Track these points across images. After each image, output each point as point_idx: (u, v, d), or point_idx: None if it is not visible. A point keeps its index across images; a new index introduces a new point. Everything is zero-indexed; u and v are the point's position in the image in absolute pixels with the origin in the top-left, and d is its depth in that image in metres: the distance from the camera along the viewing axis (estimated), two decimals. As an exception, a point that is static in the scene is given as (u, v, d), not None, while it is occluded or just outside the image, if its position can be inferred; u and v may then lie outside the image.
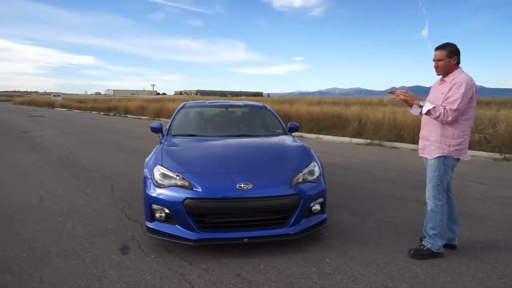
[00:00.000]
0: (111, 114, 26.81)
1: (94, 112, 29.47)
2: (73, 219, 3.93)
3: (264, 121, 4.84)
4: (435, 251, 3.01)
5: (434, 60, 3.00)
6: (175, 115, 4.70)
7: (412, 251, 3.04)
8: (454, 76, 2.92)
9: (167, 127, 4.51)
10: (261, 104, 5.21)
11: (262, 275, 2.72)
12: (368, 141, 10.81)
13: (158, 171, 3.22)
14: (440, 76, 3.06)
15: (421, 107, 2.95)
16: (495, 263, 2.93)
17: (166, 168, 3.22)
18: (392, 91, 3.18)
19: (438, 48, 2.98)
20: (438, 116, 2.86)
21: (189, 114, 4.87)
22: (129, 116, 24.53)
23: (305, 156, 3.58)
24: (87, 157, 7.84)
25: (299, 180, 3.21)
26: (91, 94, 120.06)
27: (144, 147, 9.32)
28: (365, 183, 5.64)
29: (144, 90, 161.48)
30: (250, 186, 2.99)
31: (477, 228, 3.71)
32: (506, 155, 8.17)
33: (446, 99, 2.87)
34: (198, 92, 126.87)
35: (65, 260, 2.97)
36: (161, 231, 3.06)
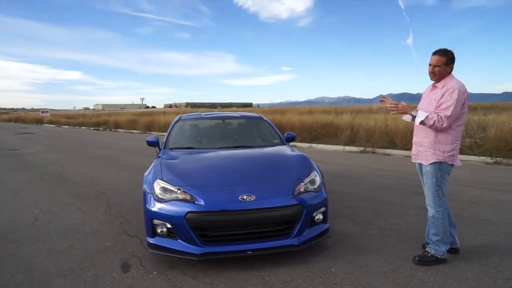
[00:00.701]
0: (101, 129, 26.57)
1: (83, 128, 29.18)
2: (70, 238, 3.84)
3: (261, 131, 4.83)
4: (439, 257, 3.01)
5: (430, 65, 2.98)
6: (171, 128, 4.67)
7: (416, 258, 3.04)
8: (446, 82, 2.95)
9: (164, 140, 4.47)
10: (257, 115, 5.21)
11: (269, 287, 2.68)
12: (361, 148, 10.89)
13: (158, 185, 3.17)
14: (432, 82, 3.10)
15: (414, 116, 2.98)
16: (499, 267, 2.94)
17: (166, 182, 3.18)
18: (383, 99, 3.21)
19: (437, 54, 2.95)
20: (433, 124, 2.89)
21: (185, 126, 4.84)
22: (119, 130, 24.34)
23: (305, 165, 3.58)
24: (80, 174, 7.71)
25: (301, 190, 3.19)
26: (80, 110, 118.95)
27: (137, 162, 9.23)
28: (363, 191, 5.65)
29: (133, 104, 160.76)
30: (253, 197, 2.97)
31: (478, 233, 3.73)
32: (497, 158, 8.30)
33: (439, 106, 2.90)
34: (188, 104, 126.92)
35: (65, 280, 2.88)
36: (163, 246, 3.00)
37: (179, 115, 5.16)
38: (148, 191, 3.23)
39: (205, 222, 2.92)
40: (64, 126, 32.61)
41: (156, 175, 3.31)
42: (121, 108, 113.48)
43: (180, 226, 2.93)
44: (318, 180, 3.40)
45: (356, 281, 2.75)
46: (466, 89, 2.94)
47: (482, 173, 7.04)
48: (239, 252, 2.92)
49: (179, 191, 3.06)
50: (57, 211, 4.87)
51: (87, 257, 3.31)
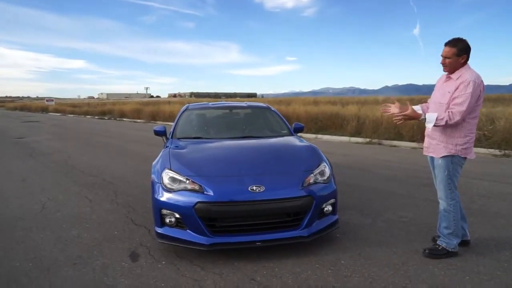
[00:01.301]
0: (106, 118, 26.59)
1: (88, 116, 29.22)
2: (77, 226, 3.84)
3: (268, 122, 4.78)
4: (450, 250, 2.97)
5: (442, 56, 2.89)
6: (178, 118, 4.63)
7: (427, 251, 3.01)
8: (461, 74, 2.84)
9: (171, 130, 4.43)
10: (265, 105, 5.16)
11: (278, 279, 2.66)
12: (367, 140, 10.81)
13: (166, 175, 3.15)
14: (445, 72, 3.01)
15: (424, 120, 2.90)
16: (511, 260, 2.91)
17: (175, 172, 3.15)
18: (386, 109, 3.11)
19: (448, 44, 2.85)
20: (446, 123, 2.80)
21: (193, 116, 4.80)
22: (124, 119, 24.35)
23: (315, 156, 3.54)
24: (86, 162, 7.72)
25: (311, 181, 3.16)
26: (84, 98, 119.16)
27: (143, 151, 9.24)
28: (370, 182, 5.61)
29: (137, 93, 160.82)
30: (262, 188, 2.94)
31: (488, 226, 3.68)
32: (506, 151, 8.20)
33: (453, 100, 2.81)
34: (192, 94, 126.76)
35: (74, 269, 2.88)
36: (172, 236, 2.99)
37: (186, 105, 5.12)
38: (156, 180, 3.21)
39: (214, 213, 2.90)
40: (69, 115, 32.68)
41: (165, 165, 3.28)
42: (126, 97, 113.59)
43: (189, 216, 2.91)
44: (327, 171, 3.36)
45: (366, 273, 2.72)
46: (482, 81, 2.83)
47: (490, 165, 6.96)
48: (248, 243, 2.90)
49: (188, 181, 3.04)
50: (64, 199, 4.88)
51: (95, 246, 3.32)
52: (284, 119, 4.80)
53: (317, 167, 3.33)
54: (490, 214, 4.03)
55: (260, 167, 3.26)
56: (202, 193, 2.94)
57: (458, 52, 2.81)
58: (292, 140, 4.12)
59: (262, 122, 4.79)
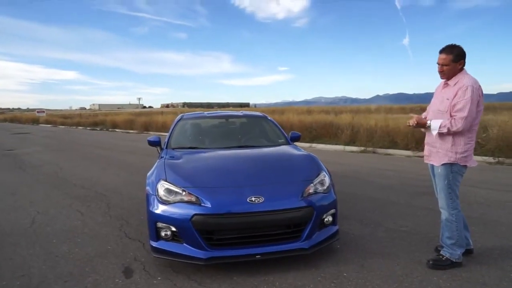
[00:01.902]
0: (98, 128, 26.33)
1: (80, 127, 28.92)
2: (69, 241, 3.70)
3: (265, 131, 4.72)
4: (454, 260, 2.90)
5: (438, 64, 2.87)
6: (173, 128, 4.53)
7: (431, 262, 2.93)
8: (458, 79, 2.82)
9: (166, 140, 4.34)
10: (261, 114, 5.09)
11: (279, 294, 2.56)
12: (362, 148, 10.79)
13: (162, 186, 3.04)
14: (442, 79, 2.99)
15: (429, 127, 2.90)
16: (517, 270, 2.84)
17: (171, 183, 3.05)
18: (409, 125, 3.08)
19: (444, 52, 2.83)
20: (448, 131, 2.77)
21: (188, 126, 4.71)
22: (116, 130, 24.12)
23: (314, 166, 3.46)
24: (78, 174, 7.56)
25: (310, 191, 3.08)
26: (76, 109, 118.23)
27: (136, 162, 9.09)
28: (367, 191, 5.55)
29: (130, 104, 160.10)
30: (262, 199, 2.85)
31: (490, 234, 3.63)
32: (500, 158, 8.23)
33: (454, 107, 2.78)
34: (184, 104, 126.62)
35: (64, 287, 2.75)
36: (168, 250, 2.88)
37: (181, 114, 5.03)
38: (151, 192, 3.10)
39: (212, 225, 2.80)
40: (60, 126, 32.32)
41: (160, 176, 3.18)
42: (118, 108, 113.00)
43: (185, 229, 2.80)
44: (327, 181, 3.29)
45: (370, 286, 2.64)
46: (480, 86, 2.80)
47: (486, 173, 6.95)
48: (247, 256, 2.80)
49: (184, 193, 2.94)
50: (55, 213, 4.73)
51: (87, 262, 3.18)
52: (281, 128, 4.74)
53: (317, 176, 3.26)
54: (490, 223, 3.98)
55: (258, 177, 3.18)
56: (199, 205, 2.84)
57: (454, 58, 2.79)
58: (290, 149, 4.05)
59: (258, 131, 4.71)
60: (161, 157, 3.74)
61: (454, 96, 2.78)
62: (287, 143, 4.40)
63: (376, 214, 4.38)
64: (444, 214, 2.97)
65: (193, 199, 2.89)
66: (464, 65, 2.86)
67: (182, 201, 2.90)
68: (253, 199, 2.84)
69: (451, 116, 2.81)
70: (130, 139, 16.88)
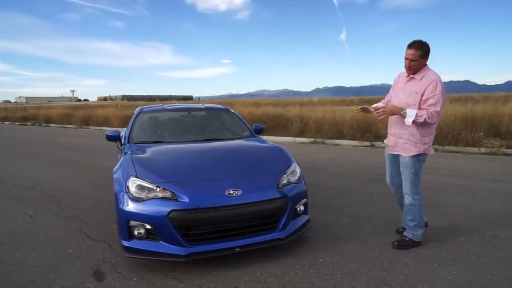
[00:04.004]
0: (29, 123, 24.09)
1: (7, 122, 26.25)
2: (21, 247, 3.37)
3: (229, 123, 4.68)
4: (416, 240, 3.16)
5: (406, 59, 2.96)
6: (133, 121, 4.30)
7: (396, 243, 3.16)
8: (424, 74, 2.96)
9: (126, 134, 4.11)
10: (223, 107, 5.03)
11: (262, 284, 2.59)
12: (312, 139, 11.20)
13: (133, 183, 2.89)
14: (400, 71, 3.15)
15: (404, 116, 2.93)
16: (467, 245, 3.18)
17: (142, 179, 2.91)
18: (360, 110, 3.20)
19: (413, 47, 2.91)
20: (424, 121, 2.87)
21: (149, 119, 4.50)
22: (51, 125, 22.28)
23: (284, 157, 3.53)
24: (16, 173, 6.87)
25: (284, 182, 3.14)
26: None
27: (81, 159, 8.51)
28: (324, 180, 5.78)
29: (62, 97, 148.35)
30: (239, 192, 2.84)
31: (439, 215, 4.00)
32: (433, 146, 9.04)
33: (426, 101, 2.90)
34: (124, 97, 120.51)
35: (28, 296, 2.51)
36: (142, 249, 2.76)
37: (140, 107, 4.79)
38: (120, 190, 2.93)
39: (190, 221, 2.73)
40: (-18, 122, 29.02)
41: (129, 172, 3.01)
42: (49, 101, 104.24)
43: (162, 226, 2.70)
44: (298, 171, 3.37)
45: (346, 269, 2.78)
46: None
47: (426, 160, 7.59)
48: (226, 250, 2.78)
49: (158, 189, 2.83)
50: (-3, 217, 4.27)
51: (49, 268, 2.93)
52: (244, 121, 4.74)
53: (288, 167, 3.33)
54: (437, 204, 4.38)
55: (233, 170, 3.16)
56: (176, 200, 2.75)
57: (422, 54, 2.92)
58: (257, 141, 4.07)
59: (222, 124, 4.66)
60: (125, 153, 3.55)
61: (425, 91, 2.91)
62: (252, 135, 4.42)
63: (337, 201, 4.60)
64: (408, 199, 3.18)
65: (168, 194, 2.79)
66: (427, 60, 2.99)
67: (156, 198, 2.79)
68: (231, 192, 2.83)
69: (420, 109, 2.93)
70: (69, 135, 15.71)
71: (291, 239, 3.04)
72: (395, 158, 3.25)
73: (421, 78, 2.98)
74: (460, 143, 8.81)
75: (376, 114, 3.03)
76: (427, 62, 3.04)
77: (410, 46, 2.96)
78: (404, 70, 3.09)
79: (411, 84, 3.04)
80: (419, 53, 2.91)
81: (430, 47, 2.97)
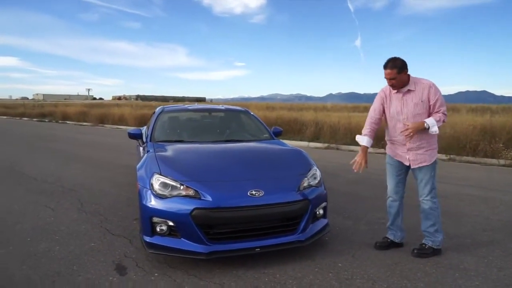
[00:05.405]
0: (46, 120, 24.59)
1: (25, 119, 26.82)
2: (46, 239, 3.46)
3: (248, 125, 4.73)
4: (435, 247, 3.14)
5: (386, 78, 3.04)
6: (155, 120, 4.38)
7: (415, 251, 3.14)
8: (415, 82, 3.05)
9: (149, 133, 4.19)
10: (242, 109, 5.09)
11: (282, 285, 2.61)
12: (326, 145, 11.17)
13: (157, 180, 2.95)
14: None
15: (428, 128, 2.96)
16: (489, 256, 3.14)
17: (166, 177, 2.97)
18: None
19: (388, 67, 2.99)
20: (443, 123, 3.04)
21: (170, 119, 4.58)
22: (67, 122, 22.70)
23: (305, 160, 3.56)
24: (37, 168, 7.04)
25: (305, 185, 3.16)
26: (17, 99, 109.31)
27: (99, 156, 8.67)
28: (339, 186, 5.77)
29: (78, 95, 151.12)
30: (262, 193, 2.87)
31: (458, 225, 3.96)
32: (451, 156, 8.94)
33: (435, 105, 3.00)
34: (138, 97, 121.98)
35: (54, 287, 2.58)
36: (164, 246, 2.81)
37: (161, 107, 4.88)
38: (144, 186, 2.99)
39: (212, 219, 2.78)
40: (1, 117, 29.74)
41: (153, 170, 3.08)
42: (65, 99, 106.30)
43: (184, 224, 2.75)
44: (318, 175, 3.39)
45: (366, 275, 2.77)
46: None
47: (440, 169, 7.24)
48: (247, 250, 2.82)
49: (182, 187, 2.88)
50: (21, 210, 4.38)
51: (72, 260, 3.00)
52: (263, 123, 4.78)
53: (309, 171, 3.35)
54: (455, 214, 4.33)
55: (255, 171, 3.19)
56: (199, 198, 2.80)
57: (399, 71, 2.99)
58: (278, 144, 4.11)
59: (241, 126, 4.72)
60: (148, 151, 3.61)
61: (428, 96, 3.00)
62: (271, 138, 4.45)
63: (353, 207, 4.58)
64: (428, 204, 3.16)
65: (192, 193, 2.84)
66: (408, 71, 3.04)
67: (180, 195, 2.84)
68: (253, 192, 2.86)
69: (430, 115, 3.03)
70: (86, 132, 16.00)
71: (310, 242, 3.05)
72: (402, 165, 3.23)
73: (415, 88, 3.05)
74: (479, 154, 8.68)
75: (406, 138, 3.05)
76: (412, 73, 3.09)
77: (385, 67, 3.03)
78: (384, 86, 3.20)
79: (410, 96, 3.07)
80: (395, 71, 2.98)
81: (404, 60, 3.01)
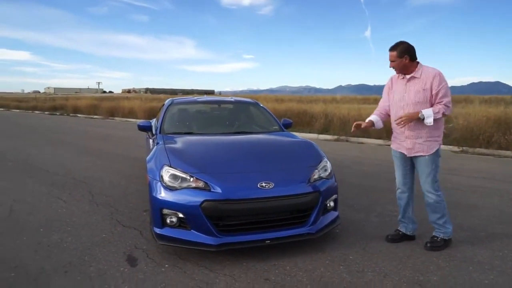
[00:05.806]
0: (58, 113, 24.92)
1: (37, 112, 27.21)
2: (58, 230, 3.51)
3: (258, 117, 4.70)
4: (447, 238, 3.09)
5: (389, 61, 3.04)
6: (164, 112, 4.38)
7: (428, 244, 3.09)
8: (421, 70, 2.97)
9: (158, 125, 4.18)
10: (252, 101, 5.06)
11: (292, 278, 2.59)
12: (336, 137, 11.08)
13: (167, 172, 2.95)
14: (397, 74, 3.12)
15: (423, 118, 2.89)
16: (504, 250, 3.07)
17: (176, 169, 2.96)
18: (357, 126, 3.17)
19: (390, 49, 3.01)
20: (442, 115, 2.91)
21: (180, 111, 4.57)
22: (78, 115, 22.95)
23: (316, 152, 3.52)
24: (49, 160, 7.13)
25: (315, 177, 3.13)
26: (29, 93, 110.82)
27: (109, 149, 8.74)
28: (350, 178, 5.72)
29: (88, 88, 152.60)
30: (272, 185, 2.85)
31: (471, 217, 3.89)
32: (464, 147, 8.78)
33: (437, 95, 2.89)
34: (147, 90, 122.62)
35: (66, 277, 2.61)
36: (174, 237, 2.82)
37: (171, 99, 4.87)
38: (154, 178, 3.00)
39: (222, 211, 2.77)
40: (14, 110, 30.21)
41: (163, 162, 3.07)
42: (76, 92, 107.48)
43: (194, 215, 2.75)
44: (329, 167, 3.36)
45: (377, 268, 2.74)
46: None
47: (452, 161, 7.38)
48: (257, 242, 2.81)
49: (191, 179, 2.87)
50: (33, 201, 4.45)
51: (84, 251, 3.04)
52: (273, 115, 4.74)
53: (320, 163, 3.31)
54: (468, 207, 4.26)
55: (265, 163, 3.17)
56: (209, 190, 2.79)
57: (398, 54, 2.95)
58: (288, 136, 4.07)
59: (251, 118, 4.68)
60: (158, 143, 3.61)
61: (431, 85, 2.90)
62: (281, 130, 4.42)
63: (364, 199, 4.54)
64: (431, 197, 3.08)
65: (202, 184, 2.83)
66: (411, 58, 2.97)
67: (189, 187, 2.84)
68: (263, 184, 2.84)
69: (432, 105, 2.93)
70: (97, 125, 16.15)
71: (321, 234, 3.03)
72: (406, 156, 3.16)
73: (420, 75, 2.96)
74: (492, 145, 8.50)
75: (399, 126, 3.00)
76: (421, 60, 3.03)
77: (389, 49, 3.02)
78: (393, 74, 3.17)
79: (413, 83, 2.99)
80: (395, 54, 2.95)
81: (409, 46, 2.95)
